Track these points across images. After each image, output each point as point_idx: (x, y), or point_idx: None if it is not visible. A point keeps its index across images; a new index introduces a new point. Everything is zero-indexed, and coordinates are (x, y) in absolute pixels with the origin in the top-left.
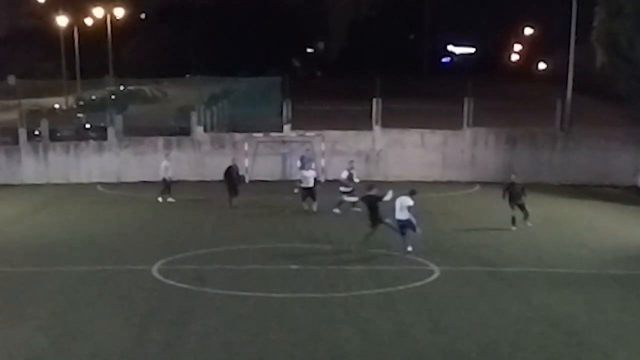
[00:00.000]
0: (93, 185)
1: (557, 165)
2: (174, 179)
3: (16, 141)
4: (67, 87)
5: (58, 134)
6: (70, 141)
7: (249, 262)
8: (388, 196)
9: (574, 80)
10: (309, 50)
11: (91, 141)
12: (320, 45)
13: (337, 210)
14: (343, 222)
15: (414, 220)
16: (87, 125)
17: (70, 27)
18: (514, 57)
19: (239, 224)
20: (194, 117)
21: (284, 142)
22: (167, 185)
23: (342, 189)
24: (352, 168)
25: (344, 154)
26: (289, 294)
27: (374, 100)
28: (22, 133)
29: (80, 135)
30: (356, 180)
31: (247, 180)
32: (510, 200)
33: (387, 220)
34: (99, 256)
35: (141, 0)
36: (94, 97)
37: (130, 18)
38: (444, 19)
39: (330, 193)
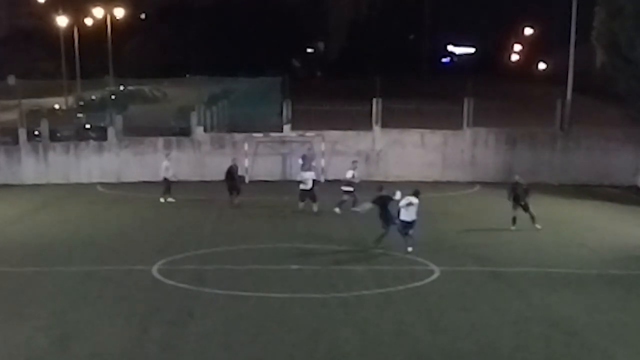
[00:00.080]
0: (93, 185)
1: (557, 165)
2: (175, 179)
3: (16, 141)
4: (67, 87)
5: (58, 134)
6: (70, 141)
7: (249, 262)
8: (397, 195)
9: (574, 80)
10: (309, 50)
11: (91, 141)
12: (320, 45)
13: (337, 210)
14: (343, 222)
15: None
16: (87, 126)
17: (70, 27)
18: (514, 57)
19: (239, 224)
20: (193, 117)
21: (284, 142)
22: (168, 185)
23: (344, 188)
24: (355, 168)
25: (344, 154)
26: (289, 294)
27: (374, 100)
28: (22, 133)
29: (80, 136)
30: (356, 180)
31: (247, 180)
32: (514, 200)
33: (397, 221)
34: (99, 256)
35: (141, 0)
36: (94, 97)
37: (130, 18)
38: (444, 19)
39: (331, 193)
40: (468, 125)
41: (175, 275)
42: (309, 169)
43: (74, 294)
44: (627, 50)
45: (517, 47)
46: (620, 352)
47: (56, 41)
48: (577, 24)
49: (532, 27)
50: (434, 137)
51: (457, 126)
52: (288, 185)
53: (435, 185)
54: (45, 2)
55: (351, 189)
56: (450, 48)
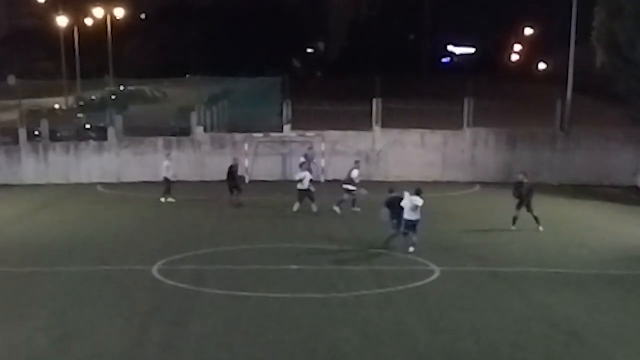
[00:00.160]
0: (93, 185)
1: (557, 165)
2: (175, 178)
3: (16, 141)
4: (67, 87)
5: (58, 134)
6: (70, 141)
7: (249, 262)
8: (406, 196)
9: (573, 80)
10: (309, 50)
11: (91, 141)
12: (320, 45)
13: (336, 209)
14: (343, 222)
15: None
16: (87, 125)
17: (70, 27)
18: (514, 57)
19: (239, 224)
20: (193, 117)
21: (284, 142)
22: (168, 185)
23: (346, 186)
24: (358, 167)
25: (344, 154)
26: (289, 294)
27: (374, 100)
28: (22, 133)
29: (80, 135)
30: (357, 180)
31: (247, 180)
32: (518, 199)
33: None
34: (99, 256)
35: (141, 0)
36: (94, 97)
37: (130, 18)
38: (444, 19)
39: (330, 193)
40: (468, 125)
41: (175, 275)
42: (307, 169)
43: (74, 294)
44: (627, 50)
45: (517, 47)
46: (620, 352)
47: (56, 41)
48: (577, 24)
49: (532, 27)
50: (434, 137)
51: (457, 126)
52: (288, 185)
53: (435, 185)
54: (45, 2)
55: (353, 188)
56: (450, 48)
